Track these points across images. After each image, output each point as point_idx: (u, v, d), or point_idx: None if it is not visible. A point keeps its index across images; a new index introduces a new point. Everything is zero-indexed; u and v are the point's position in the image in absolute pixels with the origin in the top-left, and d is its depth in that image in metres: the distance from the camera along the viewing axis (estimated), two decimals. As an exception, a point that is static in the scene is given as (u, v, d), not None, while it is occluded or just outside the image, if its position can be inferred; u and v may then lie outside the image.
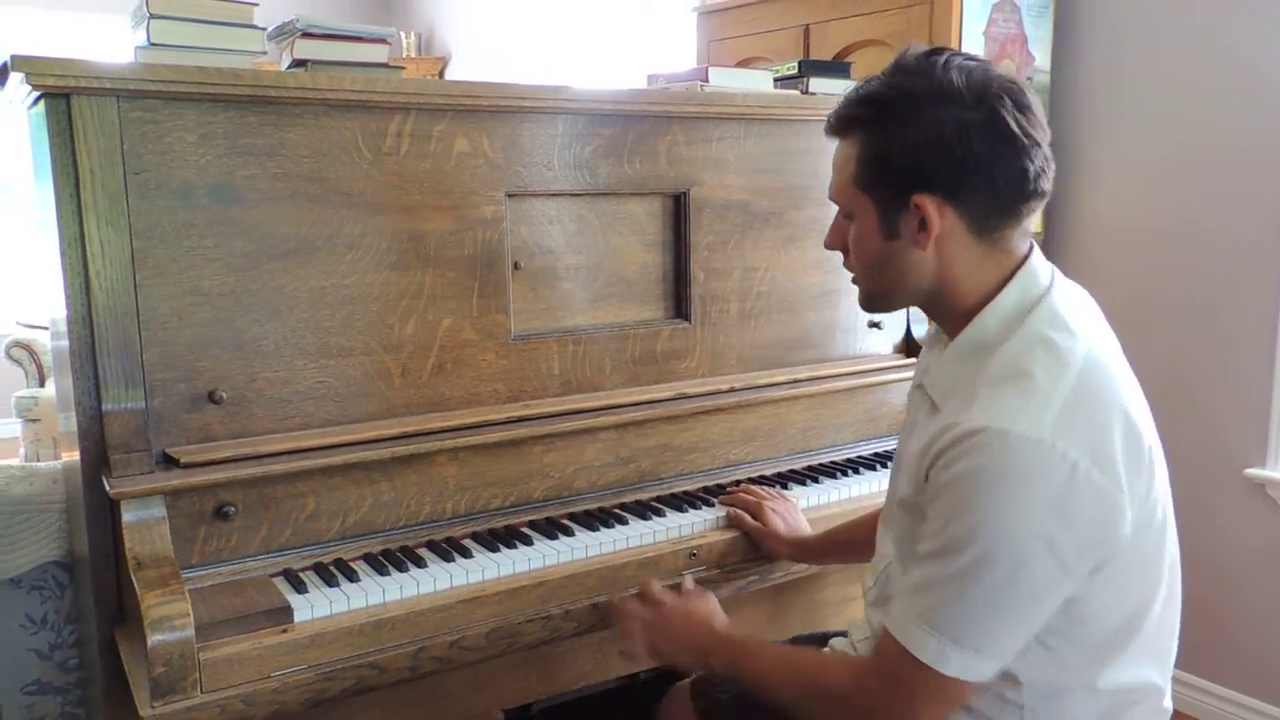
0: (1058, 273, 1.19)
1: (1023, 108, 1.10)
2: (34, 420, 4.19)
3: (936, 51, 1.13)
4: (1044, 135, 1.12)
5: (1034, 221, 1.18)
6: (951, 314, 1.18)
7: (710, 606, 1.45)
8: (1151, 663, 1.17)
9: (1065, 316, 1.13)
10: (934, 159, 1.09)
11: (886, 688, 1.12)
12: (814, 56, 2.84)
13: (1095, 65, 2.68)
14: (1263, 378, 2.40)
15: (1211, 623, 2.54)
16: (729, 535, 1.72)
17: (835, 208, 1.25)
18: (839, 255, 1.27)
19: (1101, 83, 2.67)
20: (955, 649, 1.06)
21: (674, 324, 1.94)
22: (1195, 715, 2.60)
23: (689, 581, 1.54)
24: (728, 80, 2.01)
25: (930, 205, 1.11)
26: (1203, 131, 2.47)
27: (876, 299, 1.25)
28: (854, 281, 1.26)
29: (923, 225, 1.12)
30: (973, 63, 1.11)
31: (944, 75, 1.09)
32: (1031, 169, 1.10)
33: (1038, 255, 1.18)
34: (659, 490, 1.84)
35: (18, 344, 4.50)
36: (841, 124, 1.17)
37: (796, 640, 1.62)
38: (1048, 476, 1.02)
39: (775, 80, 2.13)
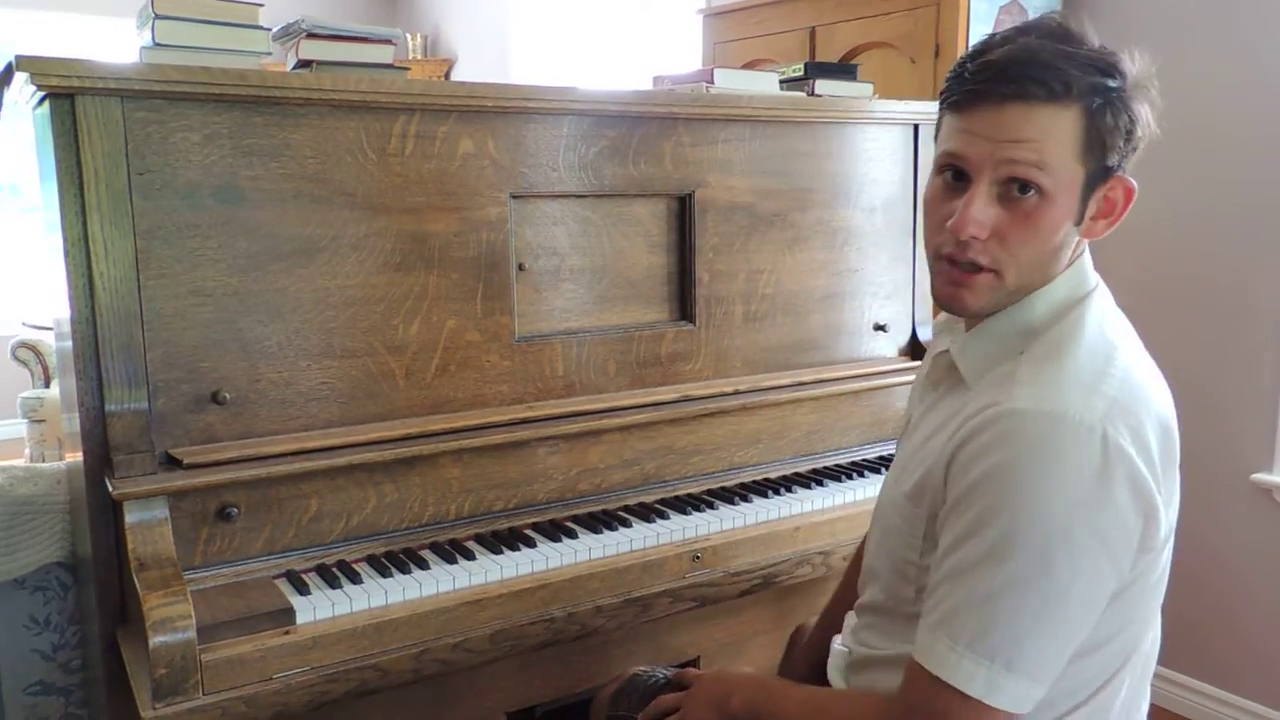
0: (1102, 283, 1.15)
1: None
2: (39, 421, 4.19)
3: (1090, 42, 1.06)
4: None
5: None
6: (1001, 303, 1.10)
7: (728, 670, 1.35)
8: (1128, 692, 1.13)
9: (1109, 317, 1.10)
10: (1139, 140, 1.04)
11: None
12: (820, 58, 2.83)
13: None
14: (1271, 383, 2.38)
15: (1219, 629, 2.53)
16: (733, 538, 1.71)
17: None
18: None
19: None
20: (1009, 676, 0.95)
21: (678, 326, 1.93)
22: (1202, 721, 2.59)
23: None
24: (733, 82, 2.00)
25: (1123, 190, 1.06)
26: (1210, 131, 2.45)
27: (994, 292, 1.07)
28: (976, 272, 1.06)
29: (1106, 211, 1.06)
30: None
31: (1127, 62, 1.04)
32: None
33: (1089, 256, 1.13)
34: (663, 493, 1.83)
35: (24, 345, 4.51)
36: (1069, 85, 1.00)
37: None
38: (1102, 466, 0.95)
39: (781, 82, 2.12)
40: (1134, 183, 1.06)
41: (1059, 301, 1.07)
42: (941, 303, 1.12)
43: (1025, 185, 1.02)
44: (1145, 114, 1.03)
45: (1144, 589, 1.06)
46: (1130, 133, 1.02)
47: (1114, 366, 1.02)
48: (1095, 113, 1.00)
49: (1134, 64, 1.03)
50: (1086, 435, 0.95)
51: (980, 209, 1.03)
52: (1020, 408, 0.97)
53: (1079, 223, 1.05)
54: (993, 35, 1.06)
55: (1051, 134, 1.00)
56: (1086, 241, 1.11)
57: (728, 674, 1.27)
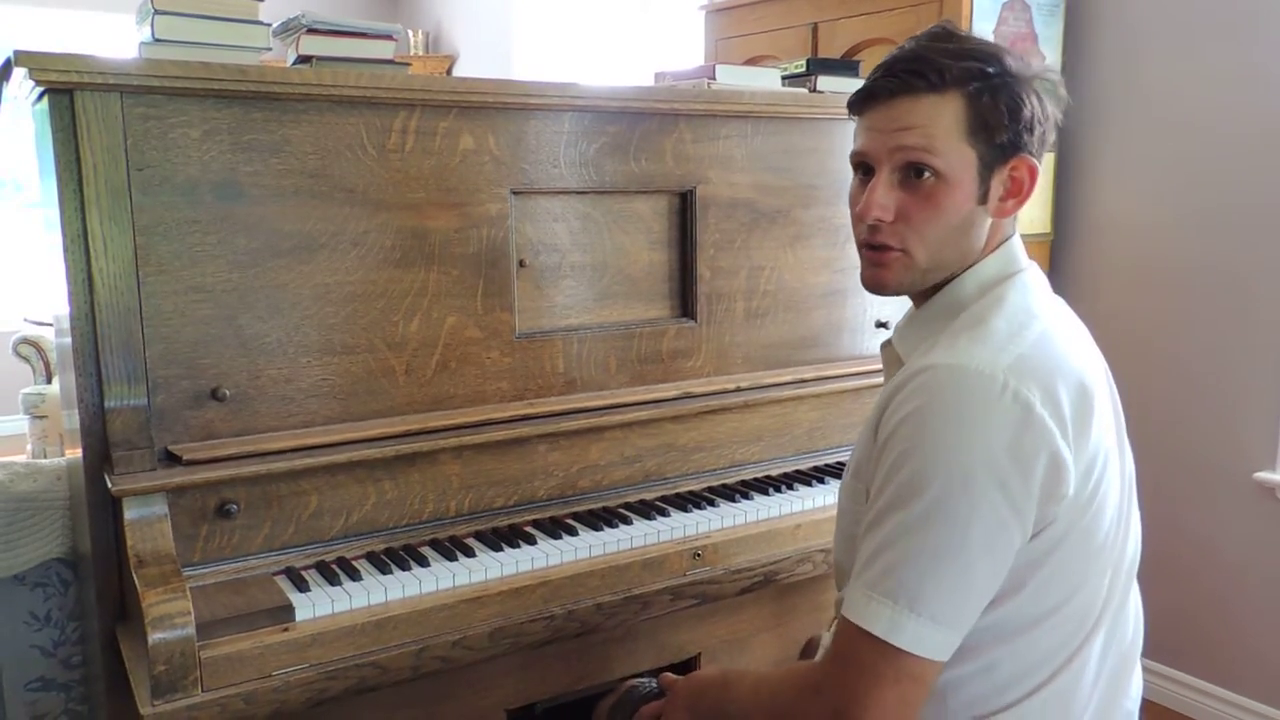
0: (1035, 266, 1.20)
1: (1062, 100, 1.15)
2: (41, 417, 4.19)
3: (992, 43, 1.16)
4: None
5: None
6: (934, 284, 1.17)
7: (697, 674, 1.36)
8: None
9: (1035, 293, 1.15)
10: (1034, 121, 1.11)
11: (843, 674, 1.03)
12: (822, 55, 2.83)
13: (1106, 64, 2.66)
14: (1273, 381, 2.38)
15: (1220, 627, 2.53)
16: (734, 535, 1.70)
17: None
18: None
19: (1112, 82, 2.65)
20: (910, 617, 0.99)
21: (680, 323, 1.92)
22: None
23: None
24: (735, 78, 2.00)
25: (1027, 170, 1.12)
26: (1214, 131, 2.45)
27: (907, 271, 1.14)
28: (887, 252, 1.13)
29: (1012, 192, 1.13)
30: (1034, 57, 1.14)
31: (1019, 56, 1.13)
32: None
33: (1019, 240, 1.19)
34: (664, 490, 1.83)
35: (25, 341, 4.51)
36: (942, 74, 1.09)
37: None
38: (1002, 412, 1.00)
39: (783, 78, 2.12)
40: (1037, 163, 1.12)
41: (987, 280, 1.14)
42: (867, 286, 1.19)
43: (920, 169, 1.10)
44: (1032, 99, 1.10)
45: (1080, 548, 1.07)
46: (1015, 113, 1.09)
47: (1028, 331, 1.08)
48: (973, 96, 1.09)
49: (1019, 59, 1.12)
50: (988, 384, 1.00)
51: (882, 194, 1.12)
52: (932, 363, 1.04)
53: (983, 202, 1.12)
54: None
55: (936, 120, 1.09)
56: (1011, 225, 1.18)
57: (697, 676, 1.31)
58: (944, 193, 1.10)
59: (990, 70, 1.09)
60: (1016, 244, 1.17)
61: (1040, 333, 1.08)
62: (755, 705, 1.16)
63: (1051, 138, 1.15)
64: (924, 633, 1.00)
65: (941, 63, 1.09)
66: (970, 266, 1.14)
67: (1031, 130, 1.11)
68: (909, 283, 1.16)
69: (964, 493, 0.99)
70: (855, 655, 1.02)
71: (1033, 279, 1.16)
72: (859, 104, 1.16)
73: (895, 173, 1.12)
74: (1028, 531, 1.02)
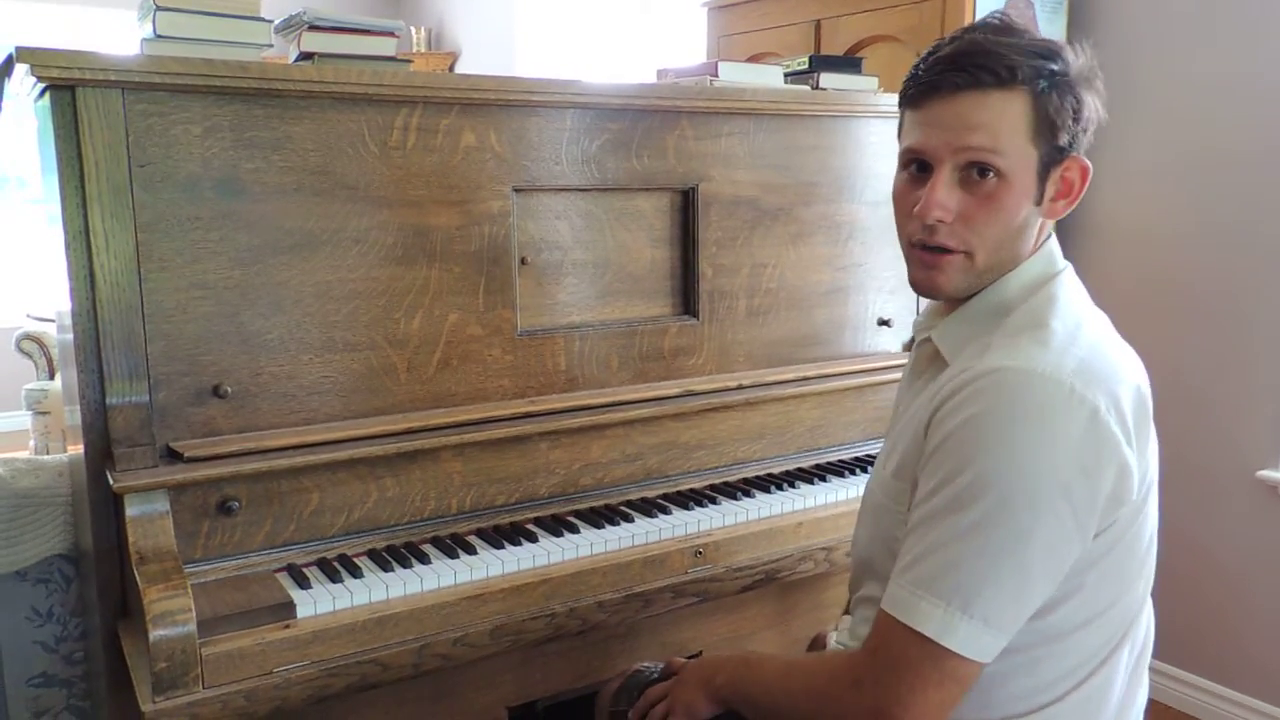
0: (1070, 266, 1.19)
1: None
2: (43, 413, 4.20)
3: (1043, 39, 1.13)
4: None
5: None
6: (975, 286, 1.15)
7: (712, 654, 1.38)
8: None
9: (1078, 294, 1.14)
10: (1091, 120, 1.10)
11: (886, 673, 1.01)
12: (825, 52, 2.82)
13: (1109, 63, 2.64)
14: (1275, 379, 2.37)
15: (1222, 626, 2.52)
16: (736, 533, 1.70)
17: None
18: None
19: (1115, 80, 2.64)
20: (963, 618, 0.97)
21: (682, 320, 1.92)
22: (1202, 718, 2.57)
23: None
24: (738, 75, 1.99)
25: (1079, 171, 1.11)
26: (1216, 130, 2.44)
27: (963, 274, 1.12)
28: (946, 255, 1.11)
29: (1064, 192, 1.11)
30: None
31: (1078, 55, 1.11)
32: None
33: (1055, 239, 1.17)
34: (665, 488, 1.83)
35: (28, 337, 4.51)
36: (1013, 71, 1.06)
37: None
38: (1069, 418, 0.98)
39: (786, 75, 2.11)
40: (1089, 163, 1.11)
41: (1031, 281, 1.12)
42: (918, 289, 1.17)
43: (984, 169, 1.07)
44: (1091, 99, 1.09)
45: (1131, 550, 1.07)
46: (1078, 113, 1.08)
47: (1083, 334, 1.07)
48: (1041, 95, 1.06)
49: (1078, 55, 1.09)
50: (1056, 389, 0.99)
51: (944, 193, 1.09)
52: (994, 365, 1.01)
53: (1039, 203, 1.10)
54: (943, 38, 1.13)
55: (1003, 118, 1.06)
56: (1051, 225, 1.16)
57: (713, 656, 1.29)
58: (1006, 193, 1.08)
59: (1055, 68, 1.06)
60: (1054, 244, 1.16)
61: (1095, 336, 1.07)
62: (784, 689, 1.13)
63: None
64: (976, 635, 0.98)
65: (1011, 58, 1.05)
66: (1016, 267, 1.13)
67: (1088, 130, 1.10)
68: (965, 286, 1.13)
69: (1029, 499, 0.97)
70: (902, 654, 1.01)
71: (1071, 279, 1.15)
72: (918, 97, 1.10)
73: (956, 171, 1.08)
74: (1088, 539, 1.01)
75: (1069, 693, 1.08)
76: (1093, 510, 0.99)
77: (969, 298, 1.15)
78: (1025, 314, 1.09)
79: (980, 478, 0.98)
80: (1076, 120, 1.08)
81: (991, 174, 1.07)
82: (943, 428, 1.03)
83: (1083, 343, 1.05)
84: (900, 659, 1.01)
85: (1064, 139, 1.08)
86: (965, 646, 0.98)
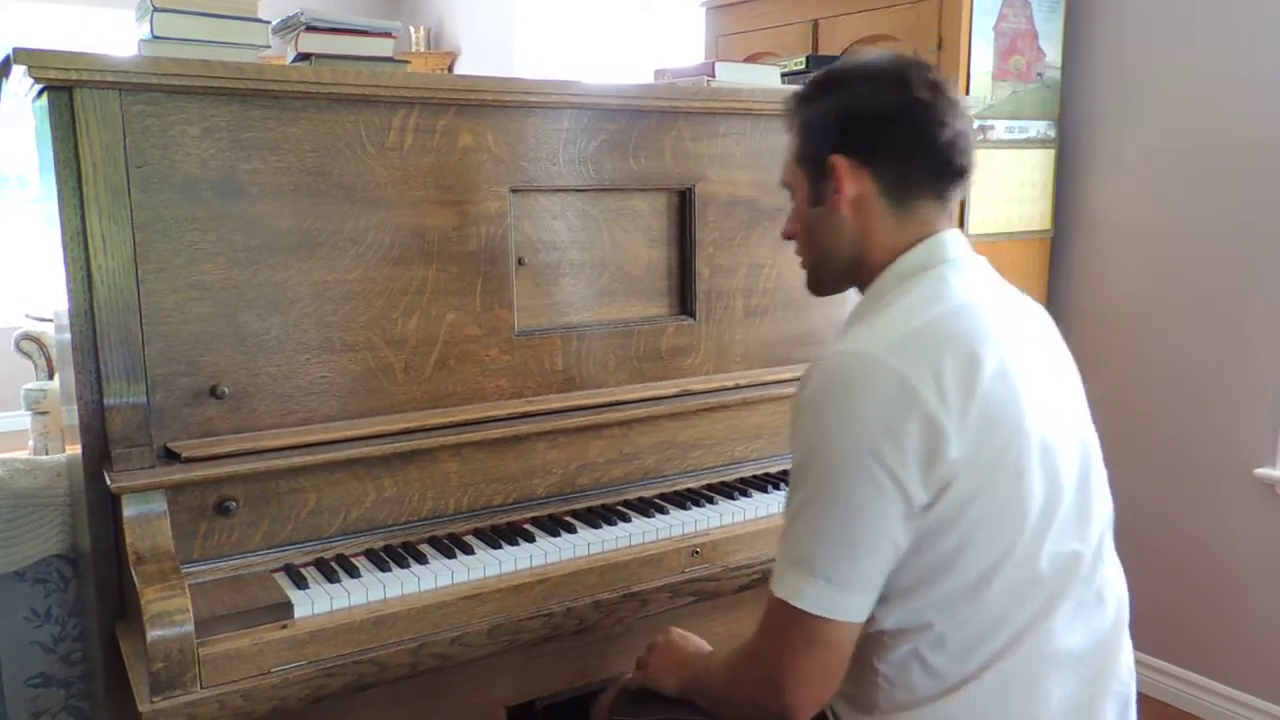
0: (982, 263, 1.23)
1: (934, 87, 1.17)
2: (42, 413, 4.20)
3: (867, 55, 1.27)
4: (954, 114, 1.17)
5: (953, 203, 1.22)
6: (868, 281, 1.23)
7: (695, 639, 1.43)
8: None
9: (955, 283, 1.16)
10: (849, 123, 1.19)
11: (768, 644, 1.13)
12: (822, 52, 2.82)
13: (1106, 61, 2.66)
14: (1273, 377, 2.37)
15: (1221, 623, 2.53)
16: (733, 533, 1.71)
17: None
18: None
19: (1113, 79, 2.65)
20: (809, 580, 1.07)
21: (679, 320, 1.93)
22: (1203, 716, 2.58)
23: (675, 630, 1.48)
24: (735, 75, 1.99)
25: (843, 165, 1.18)
26: (1215, 128, 2.44)
27: (814, 273, 1.28)
28: (801, 265, 1.30)
29: (838, 188, 1.19)
30: (899, 54, 1.23)
31: (865, 60, 1.22)
32: (940, 139, 1.16)
33: (954, 235, 1.21)
34: (662, 487, 1.83)
35: (27, 337, 4.51)
36: (789, 107, 1.25)
37: None
38: (875, 386, 1.06)
39: (783, 75, 2.11)
40: (853, 166, 1.18)
41: (906, 271, 1.19)
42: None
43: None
44: (861, 103, 1.18)
45: (1000, 516, 1.09)
46: (835, 121, 1.19)
47: (928, 310, 1.12)
48: (800, 120, 1.23)
49: (884, 63, 1.20)
50: (866, 362, 1.08)
51: (788, 218, 1.30)
52: (828, 353, 1.12)
53: (820, 204, 1.22)
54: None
55: (787, 149, 1.27)
56: (943, 221, 1.21)
57: (674, 650, 1.40)
58: (796, 206, 1.27)
59: (807, 98, 1.23)
60: (944, 238, 1.20)
61: (944, 311, 1.12)
62: (718, 679, 1.26)
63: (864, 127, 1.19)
64: (823, 595, 1.07)
65: (785, 105, 1.26)
66: (892, 262, 1.19)
67: (850, 131, 1.18)
68: (819, 280, 1.29)
69: (842, 464, 1.06)
70: (775, 623, 1.12)
71: (958, 270, 1.18)
72: None
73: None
74: (913, 497, 1.06)
75: (988, 666, 1.10)
76: (905, 465, 1.04)
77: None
78: (881, 303, 1.17)
79: (807, 451, 1.09)
80: (835, 117, 1.19)
81: (792, 198, 1.27)
82: (789, 420, 1.16)
83: (920, 318, 1.11)
84: (774, 628, 1.12)
85: (817, 145, 1.20)
86: (816, 605, 1.07)
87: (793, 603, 1.08)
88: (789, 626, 1.09)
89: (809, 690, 1.10)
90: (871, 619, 1.13)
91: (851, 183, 1.18)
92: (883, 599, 1.12)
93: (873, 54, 1.25)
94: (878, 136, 1.17)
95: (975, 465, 1.06)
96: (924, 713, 1.12)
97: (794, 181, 1.26)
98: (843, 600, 1.07)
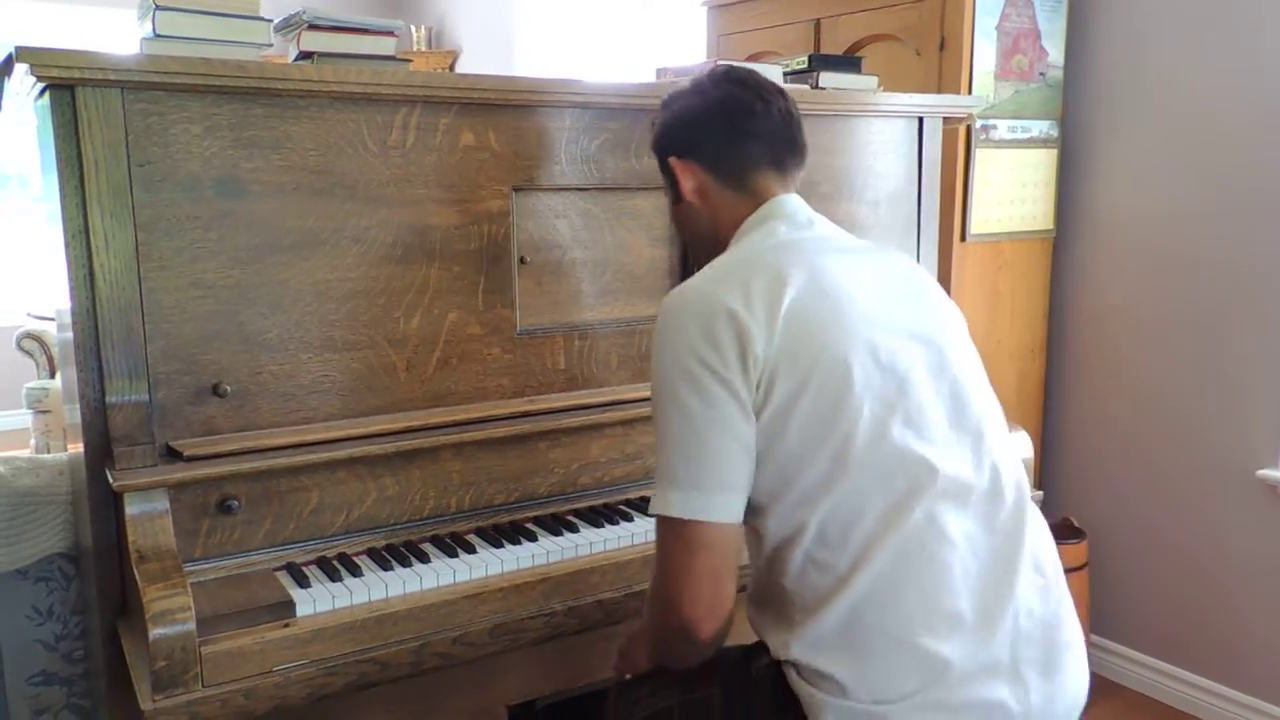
0: (822, 220, 1.38)
1: (740, 82, 1.38)
2: (44, 412, 4.20)
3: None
4: (767, 98, 1.36)
5: (794, 173, 1.41)
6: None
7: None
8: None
9: (781, 231, 1.32)
10: (675, 129, 1.41)
11: (661, 563, 1.20)
12: (824, 51, 2.82)
13: (1109, 61, 2.66)
14: (1276, 379, 2.37)
15: (1224, 625, 2.52)
16: (734, 533, 1.70)
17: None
18: None
19: (1115, 78, 2.65)
20: (675, 491, 1.16)
21: (681, 320, 1.92)
22: (1204, 718, 2.58)
23: None
24: (737, 74, 1.99)
25: (677, 164, 1.39)
26: (1218, 125, 2.44)
27: (692, 253, 1.58)
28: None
29: (678, 181, 1.39)
30: (729, 67, 1.44)
31: (698, 76, 1.43)
32: (752, 124, 1.35)
33: (790, 198, 1.37)
34: (664, 487, 1.83)
35: (29, 335, 4.52)
36: (653, 126, 1.48)
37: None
38: (692, 308, 1.21)
39: (785, 75, 2.11)
40: (683, 163, 1.39)
41: (738, 235, 1.36)
42: None
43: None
44: (681, 111, 1.41)
45: (821, 397, 1.17)
46: (666, 130, 1.42)
47: (746, 249, 1.30)
48: (651, 147, 1.47)
49: (705, 76, 1.42)
50: (689, 293, 1.23)
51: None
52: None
53: (678, 201, 1.42)
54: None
55: None
56: (780, 187, 1.38)
57: (633, 633, 1.46)
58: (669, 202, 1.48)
59: (655, 123, 1.46)
60: (778, 201, 1.36)
61: (762, 248, 1.28)
62: (646, 627, 1.31)
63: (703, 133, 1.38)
64: (689, 500, 1.15)
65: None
66: (730, 240, 1.37)
67: (673, 135, 1.41)
68: (695, 257, 1.52)
69: (674, 374, 1.18)
70: (661, 541, 1.20)
71: (789, 221, 1.33)
72: None
73: None
74: (739, 392, 1.16)
75: (868, 553, 1.14)
76: (724, 362, 1.16)
77: None
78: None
79: (653, 378, 1.22)
80: (666, 126, 1.42)
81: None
82: None
83: (735, 257, 1.29)
84: (660, 549, 1.20)
85: (659, 152, 1.43)
86: (684, 510, 1.15)
87: (665, 513, 1.16)
88: (669, 539, 1.18)
89: (702, 599, 1.16)
90: (762, 535, 1.21)
91: (688, 176, 1.38)
92: (759, 510, 1.20)
93: (711, 70, 1.44)
94: (696, 133, 1.38)
95: (793, 363, 1.16)
96: (832, 609, 1.15)
97: (665, 187, 1.47)
98: (707, 501, 1.15)
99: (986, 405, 1.28)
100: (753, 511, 1.21)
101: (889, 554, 1.14)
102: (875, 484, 1.17)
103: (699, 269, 1.35)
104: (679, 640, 1.20)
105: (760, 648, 1.27)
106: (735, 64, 1.47)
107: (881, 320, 1.23)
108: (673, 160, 1.40)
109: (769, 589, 1.23)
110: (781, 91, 1.40)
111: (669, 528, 1.17)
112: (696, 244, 1.47)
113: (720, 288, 1.21)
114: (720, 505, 1.16)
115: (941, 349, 1.27)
